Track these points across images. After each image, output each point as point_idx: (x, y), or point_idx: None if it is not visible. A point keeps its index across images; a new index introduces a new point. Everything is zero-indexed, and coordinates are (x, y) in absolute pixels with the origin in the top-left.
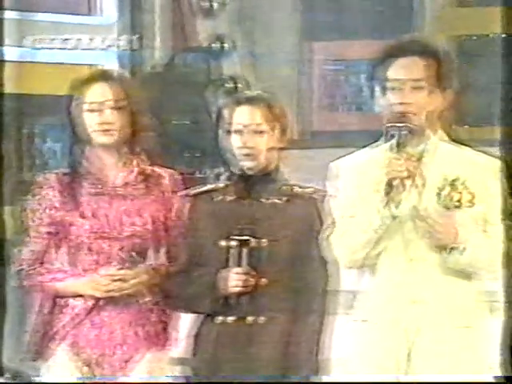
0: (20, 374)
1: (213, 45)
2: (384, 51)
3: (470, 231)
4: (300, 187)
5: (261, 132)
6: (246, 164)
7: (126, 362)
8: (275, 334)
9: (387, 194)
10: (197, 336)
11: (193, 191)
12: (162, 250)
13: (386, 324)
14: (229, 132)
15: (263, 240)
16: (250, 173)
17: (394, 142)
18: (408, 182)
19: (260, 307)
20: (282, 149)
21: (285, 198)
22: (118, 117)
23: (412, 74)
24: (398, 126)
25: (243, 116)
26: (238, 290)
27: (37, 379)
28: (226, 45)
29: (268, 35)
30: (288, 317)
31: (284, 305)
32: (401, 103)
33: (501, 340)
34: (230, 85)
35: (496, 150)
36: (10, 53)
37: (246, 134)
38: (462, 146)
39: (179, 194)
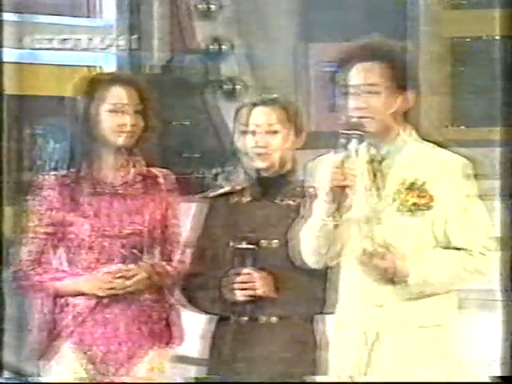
0: (21, 373)
1: (210, 46)
2: (341, 57)
3: (419, 257)
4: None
5: (274, 132)
6: (259, 164)
7: (131, 358)
8: (288, 334)
9: (331, 201)
10: (213, 336)
11: (211, 193)
12: (157, 248)
13: (347, 327)
14: (244, 133)
15: (275, 241)
16: (264, 174)
17: (343, 149)
18: (349, 191)
19: (272, 307)
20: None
21: (299, 200)
22: (137, 119)
23: (367, 79)
24: (348, 134)
25: (258, 116)
26: (243, 299)
27: (41, 378)
28: (223, 46)
29: (265, 37)
30: (300, 316)
31: (296, 304)
32: (356, 108)
33: (500, 340)
34: (228, 86)
35: (488, 151)
36: (10, 54)
37: (259, 134)
38: (432, 146)
39: (196, 196)
